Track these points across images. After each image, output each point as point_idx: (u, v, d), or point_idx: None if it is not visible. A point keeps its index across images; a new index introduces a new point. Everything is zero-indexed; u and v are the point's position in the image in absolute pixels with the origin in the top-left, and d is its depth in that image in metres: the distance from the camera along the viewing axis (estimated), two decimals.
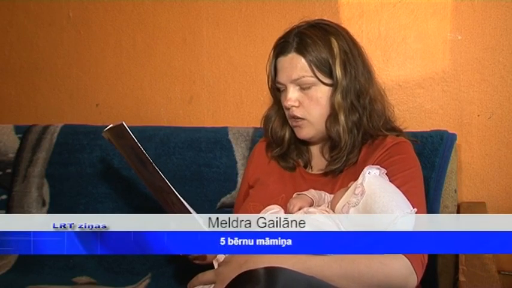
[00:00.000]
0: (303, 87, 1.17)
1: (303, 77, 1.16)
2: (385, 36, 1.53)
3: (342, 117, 1.16)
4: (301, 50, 1.16)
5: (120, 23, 1.79)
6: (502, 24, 1.45)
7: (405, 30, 1.52)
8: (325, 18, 1.23)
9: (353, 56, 1.18)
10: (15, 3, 1.89)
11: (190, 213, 1.05)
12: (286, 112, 1.21)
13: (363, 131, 1.18)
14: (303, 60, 1.16)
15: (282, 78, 1.19)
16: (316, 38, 1.16)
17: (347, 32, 1.22)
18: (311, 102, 1.17)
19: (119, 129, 1.02)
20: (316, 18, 1.23)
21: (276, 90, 1.24)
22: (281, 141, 1.26)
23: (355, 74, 1.17)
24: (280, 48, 1.20)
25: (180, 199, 1.04)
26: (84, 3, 1.82)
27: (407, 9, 1.52)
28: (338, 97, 1.15)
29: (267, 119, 1.29)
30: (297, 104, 1.17)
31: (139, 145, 1.01)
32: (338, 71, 1.15)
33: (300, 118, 1.18)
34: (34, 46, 1.89)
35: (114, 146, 1.16)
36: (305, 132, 1.20)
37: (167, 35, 1.75)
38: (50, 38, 1.87)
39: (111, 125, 1.06)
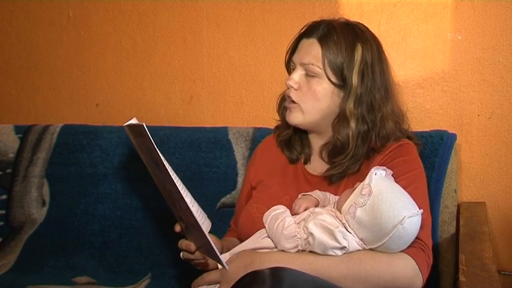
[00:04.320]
0: (309, 74, 1.16)
1: (312, 64, 1.15)
2: (385, 36, 1.53)
3: (352, 124, 1.14)
4: (323, 40, 1.15)
5: (120, 23, 1.79)
6: (502, 24, 1.45)
7: (405, 30, 1.52)
8: (324, 18, 1.21)
9: (373, 68, 1.16)
10: (15, 3, 1.89)
11: (196, 219, 1.03)
12: (286, 91, 1.21)
13: (368, 144, 1.16)
14: (319, 49, 1.15)
15: (295, 57, 1.19)
16: (342, 38, 1.15)
17: (379, 45, 1.20)
18: (308, 92, 1.16)
19: (138, 129, 1.02)
20: (320, 19, 1.21)
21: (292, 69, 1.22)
22: (288, 123, 1.23)
23: (371, 86, 1.15)
24: (307, 29, 1.19)
25: (188, 207, 1.02)
26: (84, 3, 1.82)
27: (407, 9, 1.52)
28: (350, 104, 1.14)
29: (281, 99, 1.27)
30: (296, 86, 1.17)
31: (156, 148, 1.00)
32: (354, 77, 1.14)
33: (293, 101, 1.18)
34: (34, 46, 1.89)
35: (131, 140, 1.15)
36: (293, 116, 1.19)
37: (167, 35, 1.75)
38: (50, 38, 1.87)
39: (132, 122, 1.06)
